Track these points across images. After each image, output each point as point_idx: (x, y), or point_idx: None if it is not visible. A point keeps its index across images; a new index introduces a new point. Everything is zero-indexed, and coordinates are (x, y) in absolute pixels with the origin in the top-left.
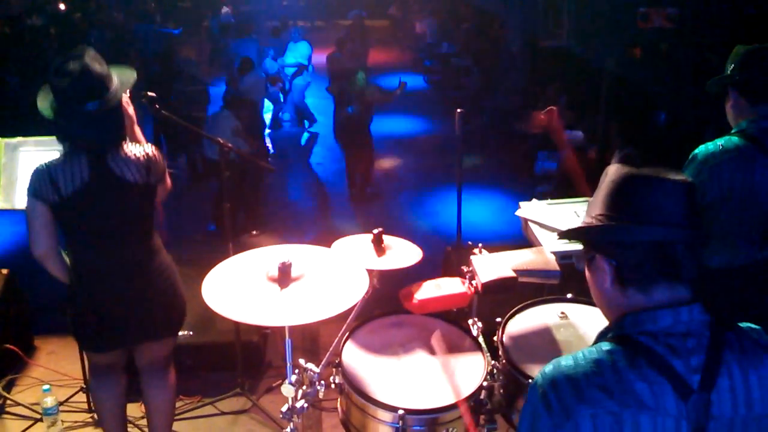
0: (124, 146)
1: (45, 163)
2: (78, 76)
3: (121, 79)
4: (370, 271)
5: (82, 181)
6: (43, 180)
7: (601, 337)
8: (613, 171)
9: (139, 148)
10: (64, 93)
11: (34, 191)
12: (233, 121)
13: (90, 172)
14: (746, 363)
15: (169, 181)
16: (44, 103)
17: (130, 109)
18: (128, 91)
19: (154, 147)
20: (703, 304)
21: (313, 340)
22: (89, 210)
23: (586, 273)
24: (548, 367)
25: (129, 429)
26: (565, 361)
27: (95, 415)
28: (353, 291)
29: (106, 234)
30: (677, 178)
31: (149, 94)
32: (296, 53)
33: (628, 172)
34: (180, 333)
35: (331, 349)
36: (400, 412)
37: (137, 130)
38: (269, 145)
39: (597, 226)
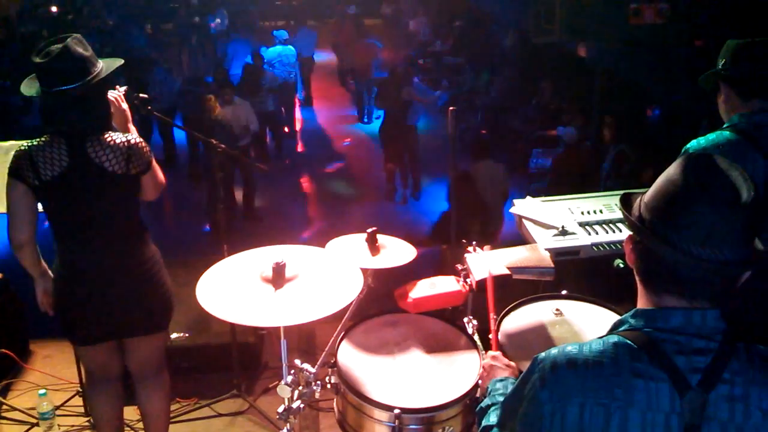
0: (106, 134)
1: (27, 144)
2: (57, 56)
3: (107, 64)
4: (364, 271)
5: (60, 167)
6: (24, 161)
7: (614, 328)
8: (689, 163)
9: (120, 137)
10: (44, 72)
11: (14, 171)
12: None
13: (69, 158)
14: (752, 376)
15: (160, 175)
16: (29, 89)
17: (124, 105)
18: (124, 89)
19: (139, 138)
20: (723, 312)
21: (308, 340)
22: (69, 196)
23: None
24: (554, 349)
25: None
26: (572, 347)
27: (92, 419)
28: (348, 290)
29: (89, 224)
30: (743, 198)
31: (141, 95)
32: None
33: (695, 179)
34: (175, 335)
35: (326, 349)
36: (396, 411)
37: (131, 128)
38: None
39: (632, 220)
